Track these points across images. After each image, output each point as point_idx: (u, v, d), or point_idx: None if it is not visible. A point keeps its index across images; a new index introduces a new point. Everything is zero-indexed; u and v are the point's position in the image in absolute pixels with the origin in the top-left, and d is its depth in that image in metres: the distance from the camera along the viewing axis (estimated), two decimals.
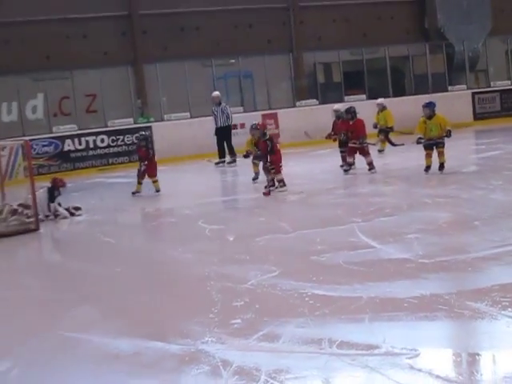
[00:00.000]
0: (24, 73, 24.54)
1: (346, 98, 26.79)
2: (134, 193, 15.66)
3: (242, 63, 27.11)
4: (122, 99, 25.74)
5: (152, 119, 25.40)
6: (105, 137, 23.66)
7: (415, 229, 9.93)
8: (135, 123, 24.56)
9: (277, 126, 24.50)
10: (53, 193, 13.92)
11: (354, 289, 7.12)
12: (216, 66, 26.71)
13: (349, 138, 16.00)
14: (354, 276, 7.63)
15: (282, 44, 30.04)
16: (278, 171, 14.48)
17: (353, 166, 16.09)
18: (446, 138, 14.28)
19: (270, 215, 12.76)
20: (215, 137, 20.90)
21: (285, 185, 14.44)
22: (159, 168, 17.15)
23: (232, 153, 20.33)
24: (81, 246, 11.86)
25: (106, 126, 24.02)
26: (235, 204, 14.01)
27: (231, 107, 25.69)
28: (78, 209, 14.23)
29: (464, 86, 28.78)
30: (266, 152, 14.44)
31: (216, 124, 20.85)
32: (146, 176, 15.97)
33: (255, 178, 15.86)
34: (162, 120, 24.43)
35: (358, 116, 16.20)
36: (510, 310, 6.03)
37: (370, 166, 15.77)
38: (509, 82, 29.19)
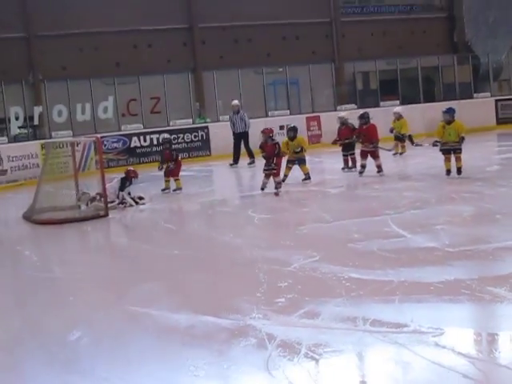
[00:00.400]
0: (96, 77, 24.72)
1: (381, 103, 26.64)
2: (163, 190, 15.43)
3: (289, 71, 27.01)
4: (183, 102, 25.80)
5: (208, 120, 25.46)
6: (167, 135, 23.71)
7: (442, 220, 9.86)
8: (194, 123, 24.64)
9: (319, 128, 24.44)
10: (124, 183, 14.01)
11: (386, 273, 7.09)
12: (266, 73, 26.65)
13: (362, 141, 15.54)
14: (387, 262, 7.60)
15: (325, 54, 29.96)
16: (278, 174, 14.07)
17: (357, 169, 15.67)
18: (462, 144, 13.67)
19: (313, 206, 12.73)
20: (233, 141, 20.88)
21: (281, 186, 14.01)
22: (217, 163, 17.20)
23: (251, 155, 20.11)
24: (144, 231, 11.94)
25: (168, 126, 24.10)
26: (281, 196, 13.96)
27: (278, 110, 25.82)
28: (141, 198, 14.31)
29: (488, 94, 28.42)
30: (273, 154, 14.04)
31: (235, 130, 20.63)
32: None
33: (283, 180, 14.75)
34: (218, 121, 24.44)
35: (371, 121, 15.78)
36: None
37: (379, 168, 15.21)
38: None
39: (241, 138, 20.46)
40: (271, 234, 10.30)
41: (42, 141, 20.73)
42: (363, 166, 15.35)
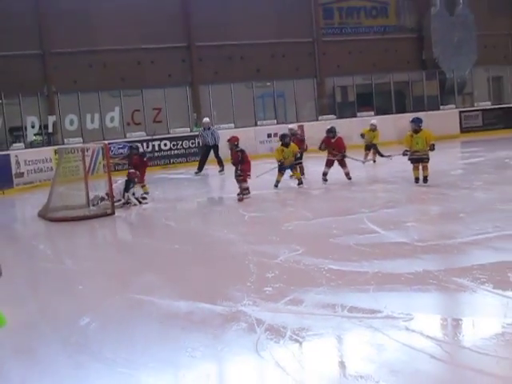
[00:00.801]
0: (104, 90, 24.69)
1: (358, 114, 26.72)
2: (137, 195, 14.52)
3: (276, 85, 27.01)
4: (181, 112, 25.78)
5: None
6: (167, 142, 23.71)
7: (412, 218, 9.89)
8: (191, 131, 24.61)
9: (303, 135, 24.43)
10: (128, 184, 13.99)
11: (361, 265, 7.10)
12: (256, 87, 26.64)
13: (332, 152, 14.57)
14: (362, 255, 7.60)
15: (308, 71, 29.95)
16: (244, 180, 13.51)
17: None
18: (430, 152, 13.11)
19: (297, 205, 12.75)
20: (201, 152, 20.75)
21: (249, 193, 13.50)
22: (211, 167, 17.14)
23: (221, 164, 19.71)
24: (147, 228, 11.93)
25: (169, 133, 24.09)
26: (268, 197, 13.96)
27: (266, 120, 25.81)
28: (144, 198, 14.31)
29: (453, 106, 28.52)
30: (238, 161, 13.60)
31: (207, 143, 20.26)
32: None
33: (275, 185, 14.58)
34: None
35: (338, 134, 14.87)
36: (487, 284, 5.98)
37: (347, 175, 14.68)
38: (489, 103, 28.89)
39: (210, 149, 20.20)
40: (260, 231, 10.29)
41: (56, 147, 20.67)
42: (325, 174, 14.60)
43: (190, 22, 28.04)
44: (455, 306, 5.88)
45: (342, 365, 4.75)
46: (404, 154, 13.41)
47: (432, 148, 13.04)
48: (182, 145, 23.77)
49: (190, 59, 28.41)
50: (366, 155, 18.71)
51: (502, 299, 5.61)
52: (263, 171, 15.34)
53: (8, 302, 4.49)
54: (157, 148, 23.40)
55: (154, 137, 23.69)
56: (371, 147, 18.86)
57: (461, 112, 28.09)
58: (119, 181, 14.00)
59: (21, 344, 5.50)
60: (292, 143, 14.89)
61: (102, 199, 13.50)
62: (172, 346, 5.25)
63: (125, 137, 23.65)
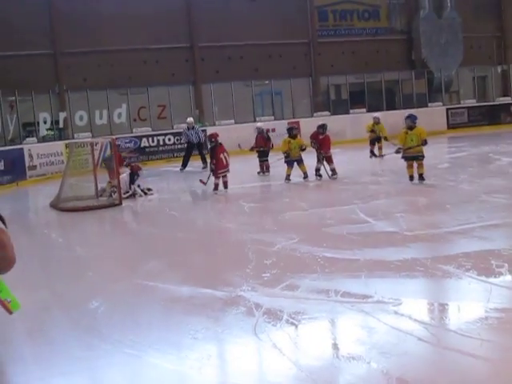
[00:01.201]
0: (112, 88, 24.60)
1: (351, 111, 26.70)
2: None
3: (274, 84, 26.96)
4: (185, 109, 25.68)
5: (206, 124, 25.38)
6: (171, 137, 23.67)
7: (401, 209, 9.91)
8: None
9: (299, 131, 24.40)
10: (133, 176, 13.99)
11: (354, 253, 7.11)
12: (254, 85, 26.57)
13: (318, 148, 14.08)
14: (354, 243, 7.62)
15: (304, 70, 29.84)
16: (215, 176, 13.35)
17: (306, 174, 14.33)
18: (423, 147, 12.44)
19: (293, 197, 12.74)
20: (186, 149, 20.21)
21: (217, 189, 13.31)
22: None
23: (204, 161, 19.10)
24: (152, 217, 11.93)
25: (172, 129, 24.03)
26: (267, 188, 13.96)
27: (264, 116, 25.79)
28: (150, 189, 14.30)
29: (440, 103, 28.47)
30: (211, 156, 13.48)
31: (191, 141, 19.75)
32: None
33: (287, 179, 14.23)
34: (214, 125, 24.34)
35: (327, 132, 14.46)
36: (471, 271, 5.99)
37: (333, 171, 14.08)
38: (474, 101, 28.87)
39: (194, 147, 19.77)
40: (258, 220, 10.30)
41: (66, 141, 20.61)
42: (318, 170, 14.23)
43: (193, 24, 27.93)
44: (441, 292, 5.89)
45: (335, 346, 4.77)
46: (397, 152, 12.73)
47: (425, 143, 12.39)
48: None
49: (193, 59, 28.31)
50: (372, 150, 18.19)
51: (485, 285, 5.62)
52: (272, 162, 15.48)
53: (22, 286, 4.48)
54: (161, 142, 23.37)
55: (159, 132, 23.64)
56: (376, 141, 18.17)
57: (448, 109, 28.08)
58: (124, 174, 13.98)
59: (34, 326, 5.51)
60: (298, 137, 14.58)
61: (114, 192, 13.42)
62: (175, 328, 5.26)
63: (131, 132, 23.65)
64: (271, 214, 10.72)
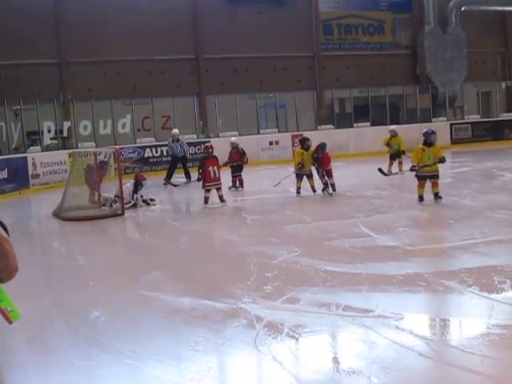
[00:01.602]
0: (117, 98, 24.66)
1: (355, 124, 26.73)
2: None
3: (278, 96, 27.01)
4: (189, 120, 25.75)
5: (211, 135, 25.42)
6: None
7: (403, 224, 9.88)
8: (197, 138, 24.59)
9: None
10: (137, 186, 14.01)
11: (355, 267, 7.10)
12: (259, 98, 26.64)
13: (318, 167, 13.87)
14: (356, 257, 7.60)
15: (309, 83, 29.91)
16: (204, 188, 13.33)
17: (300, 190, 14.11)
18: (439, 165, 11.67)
19: (296, 210, 12.72)
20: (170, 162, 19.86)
21: (207, 202, 13.22)
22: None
23: (188, 175, 18.91)
24: (154, 227, 11.93)
25: (177, 141, 24.03)
26: (269, 201, 13.96)
27: (268, 128, 25.84)
28: (152, 200, 14.31)
29: (444, 118, 28.48)
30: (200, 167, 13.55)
31: (175, 154, 19.38)
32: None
33: (297, 192, 14.03)
34: (218, 137, 24.40)
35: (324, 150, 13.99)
36: (473, 287, 5.98)
37: (333, 187, 13.89)
38: (478, 116, 28.93)
39: (179, 160, 19.40)
40: (260, 233, 10.28)
41: (70, 150, 20.67)
42: (326, 184, 13.91)
43: (199, 36, 28.05)
44: (443, 307, 5.88)
45: (336, 360, 4.75)
46: (412, 170, 11.78)
47: (443, 161, 11.64)
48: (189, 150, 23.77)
49: (198, 71, 28.41)
50: (391, 165, 16.90)
51: (487, 301, 5.60)
52: (279, 180, 15.06)
53: (23, 295, 4.48)
54: (165, 153, 23.41)
55: (162, 143, 23.68)
56: (396, 156, 17.12)
57: (451, 124, 28.10)
58: (128, 183, 14.00)
59: (34, 335, 5.49)
60: (310, 149, 14.07)
61: (115, 202, 13.47)
62: (175, 339, 5.25)
63: (135, 142, 23.70)
64: (273, 226, 10.70)
